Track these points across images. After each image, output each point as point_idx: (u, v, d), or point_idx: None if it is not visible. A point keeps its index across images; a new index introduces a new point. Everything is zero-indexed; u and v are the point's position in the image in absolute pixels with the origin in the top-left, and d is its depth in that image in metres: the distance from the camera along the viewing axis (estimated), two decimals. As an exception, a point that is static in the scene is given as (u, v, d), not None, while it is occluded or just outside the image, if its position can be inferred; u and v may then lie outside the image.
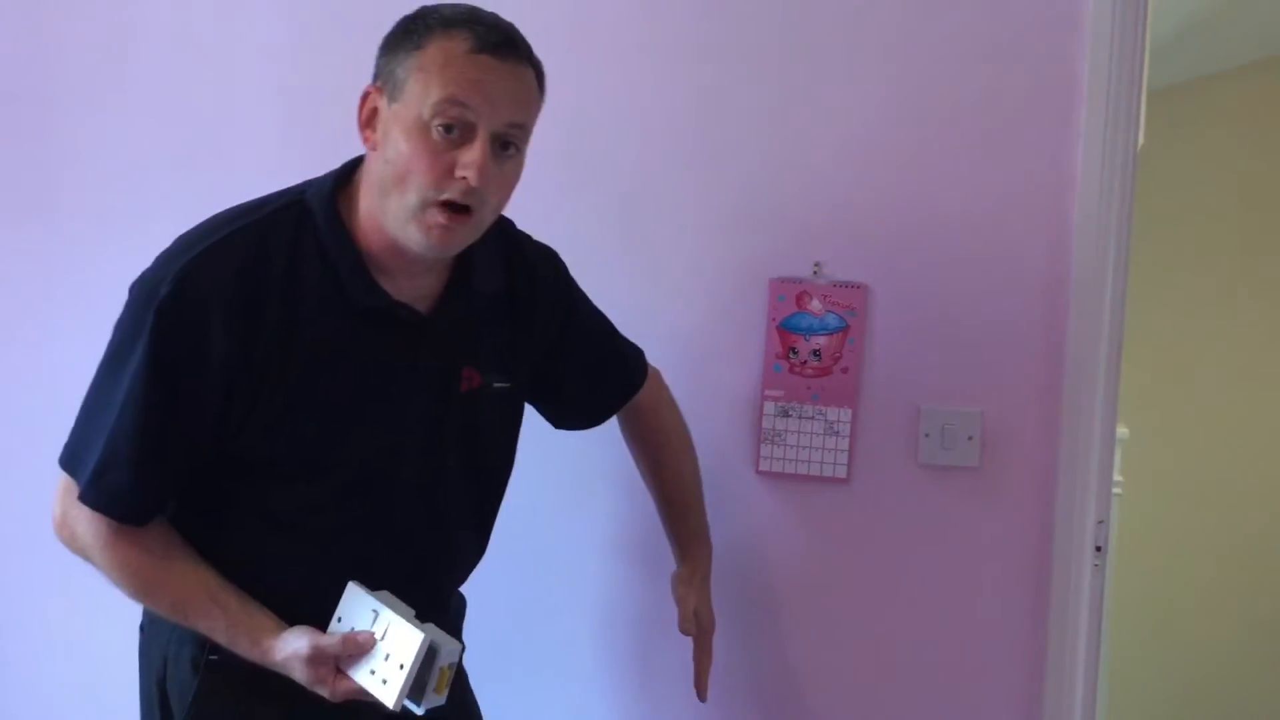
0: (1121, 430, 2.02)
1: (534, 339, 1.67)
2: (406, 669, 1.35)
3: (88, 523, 1.43)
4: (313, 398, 1.44)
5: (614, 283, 2.03)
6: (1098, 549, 1.94)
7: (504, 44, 1.40)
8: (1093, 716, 1.99)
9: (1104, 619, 2.02)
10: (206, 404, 1.40)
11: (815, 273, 2.00)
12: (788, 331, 2.01)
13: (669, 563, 1.88)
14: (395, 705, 1.36)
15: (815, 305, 2.00)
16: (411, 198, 1.38)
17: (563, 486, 2.08)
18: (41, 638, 2.39)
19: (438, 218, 1.38)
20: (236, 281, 1.39)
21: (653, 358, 1.95)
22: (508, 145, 1.41)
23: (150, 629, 1.56)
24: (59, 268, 2.34)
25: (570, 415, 1.81)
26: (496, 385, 1.60)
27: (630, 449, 1.89)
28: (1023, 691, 1.96)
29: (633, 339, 1.89)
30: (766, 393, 2.02)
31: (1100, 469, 1.93)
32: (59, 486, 1.46)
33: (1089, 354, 1.90)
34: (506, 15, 2.05)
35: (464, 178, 1.36)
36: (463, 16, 1.40)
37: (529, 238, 1.71)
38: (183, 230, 1.49)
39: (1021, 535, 1.95)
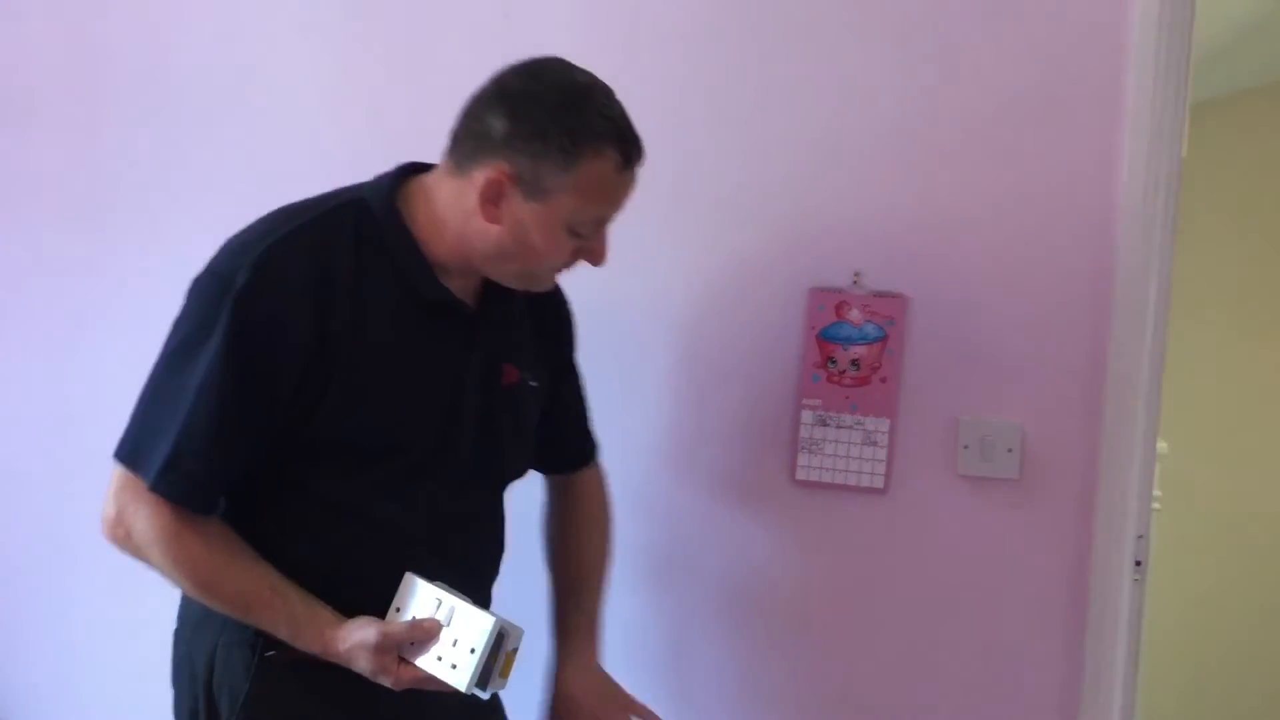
0: (1161, 445, 2.01)
1: (551, 346, 1.73)
2: (478, 652, 1.36)
3: (149, 518, 1.43)
4: (380, 381, 1.47)
5: (652, 291, 2.05)
6: (1137, 564, 1.93)
7: (639, 150, 1.49)
8: (1130, 731, 1.98)
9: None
10: (281, 388, 1.42)
11: (855, 282, 2.00)
12: (826, 341, 2.01)
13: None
14: (467, 689, 1.37)
15: (854, 315, 2.00)
16: (534, 271, 1.53)
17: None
18: (96, 641, 2.41)
19: (553, 280, 1.58)
20: (310, 268, 1.44)
21: (691, 366, 1.95)
22: None
23: (191, 637, 1.55)
24: (107, 270, 2.37)
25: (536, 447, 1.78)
26: (531, 383, 1.65)
27: (546, 528, 1.83)
28: (1059, 706, 1.94)
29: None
30: (804, 402, 2.02)
31: (1141, 483, 1.92)
32: (113, 484, 1.46)
33: (1131, 368, 1.89)
34: (560, 17, 2.08)
35: (587, 262, 1.53)
36: (611, 132, 1.45)
37: None
38: (228, 230, 1.51)
39: (1060, 549, 1.93)
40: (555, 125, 1.42)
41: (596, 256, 1.52)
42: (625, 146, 1.46)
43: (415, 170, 1.56)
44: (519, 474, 1.71)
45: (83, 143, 2.38)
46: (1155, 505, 2.23)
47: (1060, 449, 1.93)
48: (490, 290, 1.58)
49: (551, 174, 1.43)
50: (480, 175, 1.45)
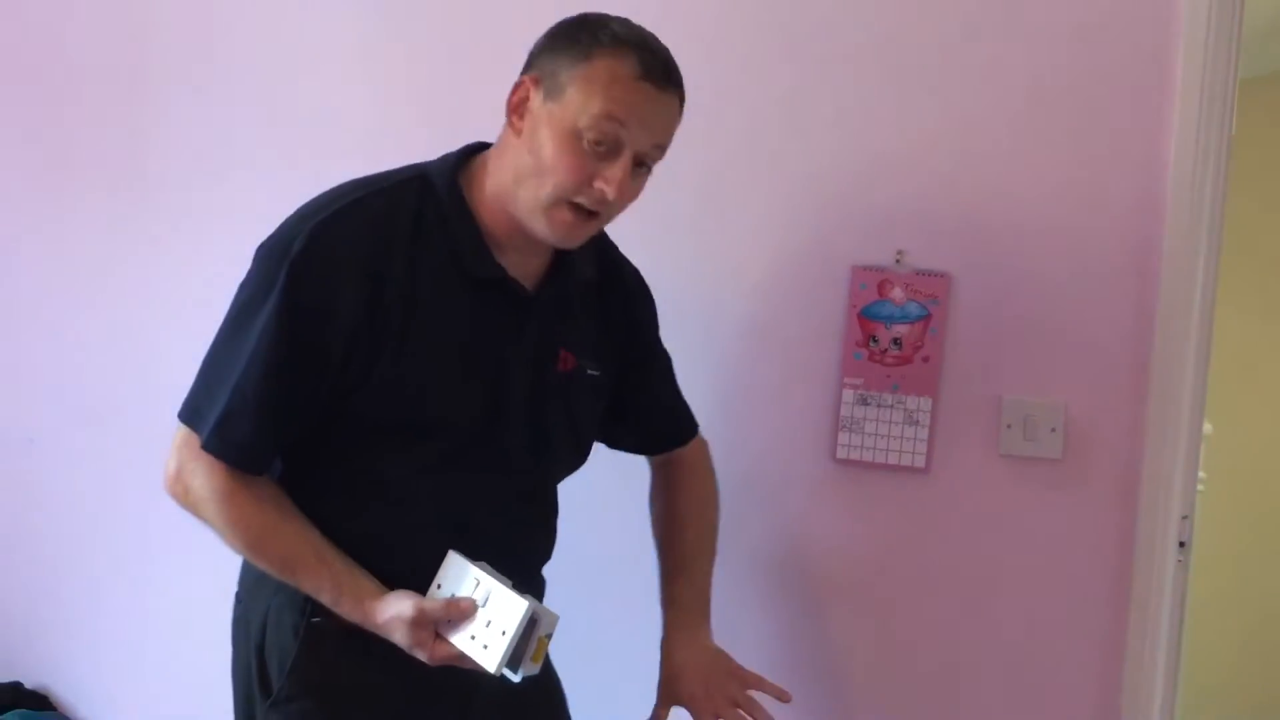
0: (1205, 426, 1.99)
1: (621, 338, 1.71)
2: (509, 635, 1.38)
3: (205, 476, 1.46)
4: (428, 357, 1.48)
5: (696, 268, 2.05)
6: (1181, 544, 1.91)
7: (665, 75, 1.47)
8: (1172, 714, 1.96)
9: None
10: (330, 356, 1.44)
11: (898, 261, 1.99)
12: (868, 319, 2.01)
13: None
14: (496, 670, 1.39)
15: (897, 294, 1.99)
16: (546, 193, 1.45)
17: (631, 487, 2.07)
18: (137, 610, 2.45)
19: (566, 215, 1.46)
20: (367, 241, 1.46)
21: (733, 344, 1.95)
22: (643, 164, 1.49)
23: (248, 599, 1.59)
24: (152, 246, 2.39)
25: (622, 433, 1.79)
26: (589, 371, 1.64)
27: (651, 505, 1.83)
28: (1102, 688, 1.94)
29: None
30: (845, 380, 2.02)
31: (1185, 464, 1.90)
32: (175, 441, 1.50)
33: (1177, 347, 1.87)
34: (593, 8, 2.08)
35: (601, 189, 1.44)
36: (634, 39, 1.46)
37: (617, 248, 1.76)
38: (272, 208, 1.53)
39: (1103, 529, 1.93)
40: (582, 30, 1.46)
41: (608, 182, 1.44)
42: (644, 55, 1.45)
43: (481, 149, 1.58)
44: (569, 462, 1.70)
45: (127, 120, 2.40)
46: (1199, 486, 2.21)
47: (1104, 428, 1.92)
48: (551, 274, 1.58)
49: (567, 68, 1.44)
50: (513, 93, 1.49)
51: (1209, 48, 1.86)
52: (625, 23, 1.49)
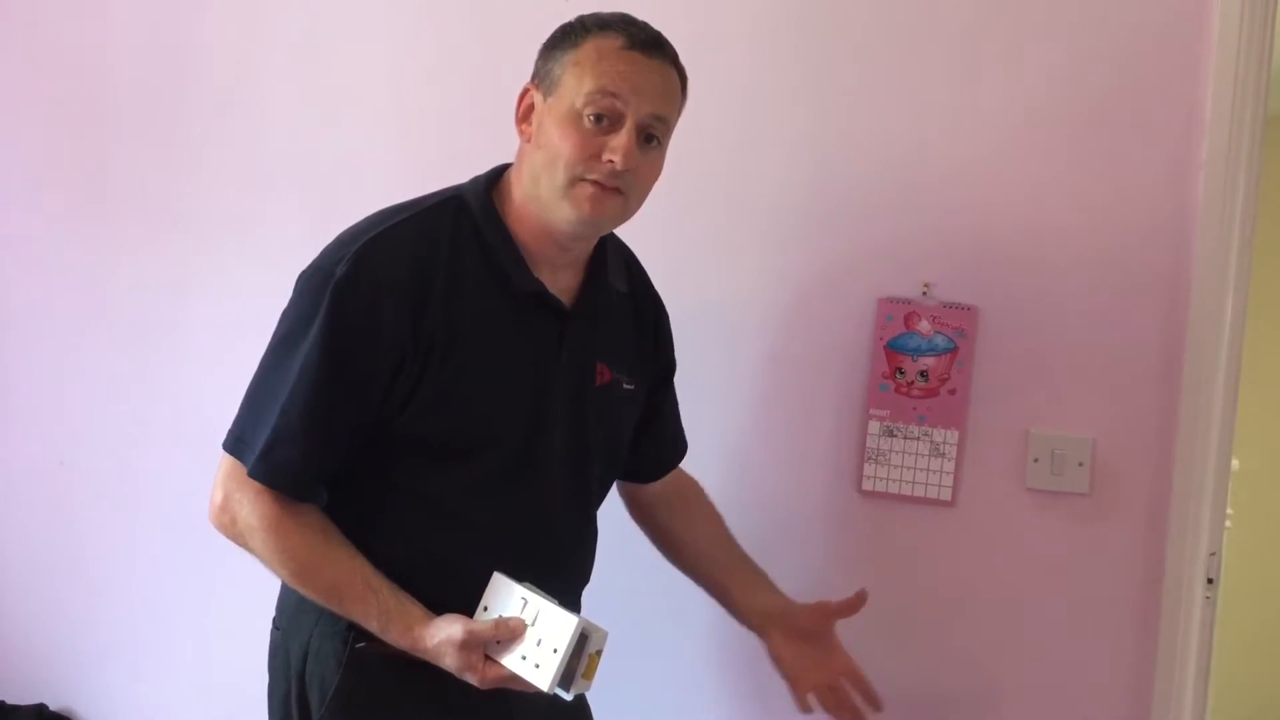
0: (1233, 461, 1.98)
1: (651, 352, 1.74)
2: (561, 653, 1.38)
3: (252, 505, 1.47)
4: (471, 376, 1.50)
5: (721, 299, 2.06)
6: (1209, 581, 1.90)
7: (653, 44, 1.52)
8: (1200, 752, 1.95)
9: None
10: (375, 379, 1.46)
11: (924, 294, 2.00)
12: (895, 352, 2.01)
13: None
14: (549, 688, 1.38)
15: (924, 326, 1.99)
16: (561, 176, 1.48)
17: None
18: (161, 633, 2.46)
19: (586, 190, 1.49)
20: (407, 263, 1.48)
21: (759, 374, 1.95)
22: (651, 138, 1.52)
23: (288, 626, 1.58)
24: (187, 273, 2.41)
25: (631, 456, 1.81)
26: (625, 385, 1.67)
27: (663, 530, 1.86)
28: (1129, 724, 1.93)
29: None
30: (872, 412, 2.02)
31: (1214, 500, 1.90)
32: (220, 472, 1.51)
33: (1206, 383, 1.87)
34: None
35: (610, 160, 1.47)
36: (618, 20, 1.53)
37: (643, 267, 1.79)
38: (308, 233, 1.56)
39: (1131, 565, 1.91)
40: (570, 27, 1.53)
41: (614, 151, 1.47)
42: (629, 30, 1.50)
43: (508, 168, 1.61)
44: (607, 476, 1.72)
45: (164, 145, 2.43)
46: (1227, 523, 2.20)
47: (1132, 463, 1.92)
48: (585, 289, 1.61)
49: (559, 61, 1.51)
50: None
51: (1238, 88, 1.87)
52: (612, 12, 1.54)
